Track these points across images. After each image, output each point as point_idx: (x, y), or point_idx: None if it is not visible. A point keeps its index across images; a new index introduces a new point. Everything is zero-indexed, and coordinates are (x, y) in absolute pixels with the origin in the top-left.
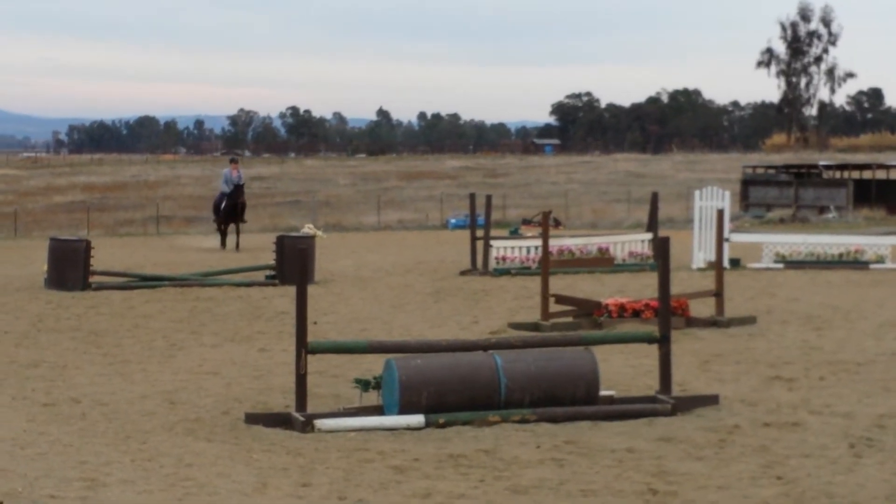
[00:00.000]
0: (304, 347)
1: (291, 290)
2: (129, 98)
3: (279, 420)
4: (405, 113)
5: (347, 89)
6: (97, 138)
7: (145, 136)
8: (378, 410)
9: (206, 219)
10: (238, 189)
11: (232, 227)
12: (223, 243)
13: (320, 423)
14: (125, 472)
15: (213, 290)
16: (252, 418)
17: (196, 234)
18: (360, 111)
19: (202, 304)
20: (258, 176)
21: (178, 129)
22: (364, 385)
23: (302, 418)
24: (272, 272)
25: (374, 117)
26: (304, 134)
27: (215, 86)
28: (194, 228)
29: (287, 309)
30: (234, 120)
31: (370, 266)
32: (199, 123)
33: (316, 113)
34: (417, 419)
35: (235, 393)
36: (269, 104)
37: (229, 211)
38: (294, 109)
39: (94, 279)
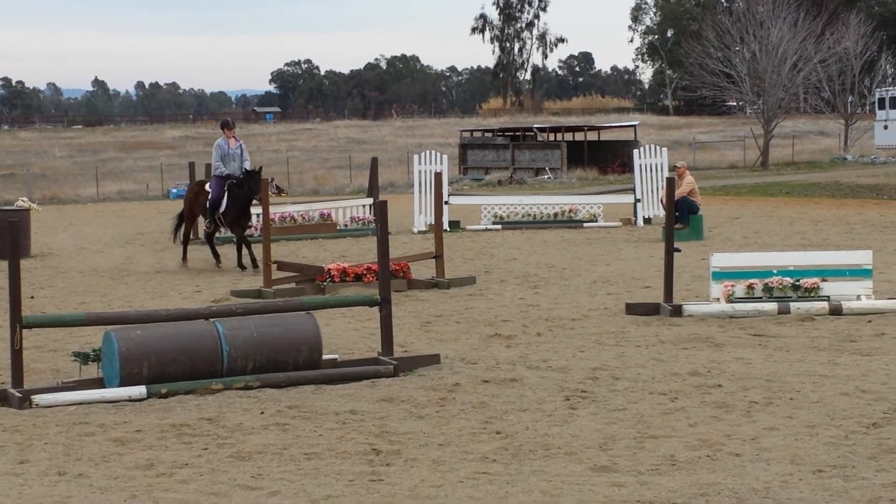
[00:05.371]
0: (18, 322)
1: (5, 265)
2: None
3: None
4: (122, 83)
5: (62, 59)
6: None
7: None
8: (98, 383)
9: None
10: (253, 176)
11: (220, 230)
12: (216, 256)
13: (38, 399)
14: None
15: None
16: None
17: None
18: (76, 81)
19: None
20: None
21: None
22: (83, 358)
23: (19, 394)
24: None
25: (90, 87)
26: (18, 105)
27: None
28: None
29: (1, 284)
30: None
31: (89, 238)
32: None
33: (29, 84)
34: (139, 390)
35: None
36: None
37: (240, 210)
38: (6, 80)
39: None
